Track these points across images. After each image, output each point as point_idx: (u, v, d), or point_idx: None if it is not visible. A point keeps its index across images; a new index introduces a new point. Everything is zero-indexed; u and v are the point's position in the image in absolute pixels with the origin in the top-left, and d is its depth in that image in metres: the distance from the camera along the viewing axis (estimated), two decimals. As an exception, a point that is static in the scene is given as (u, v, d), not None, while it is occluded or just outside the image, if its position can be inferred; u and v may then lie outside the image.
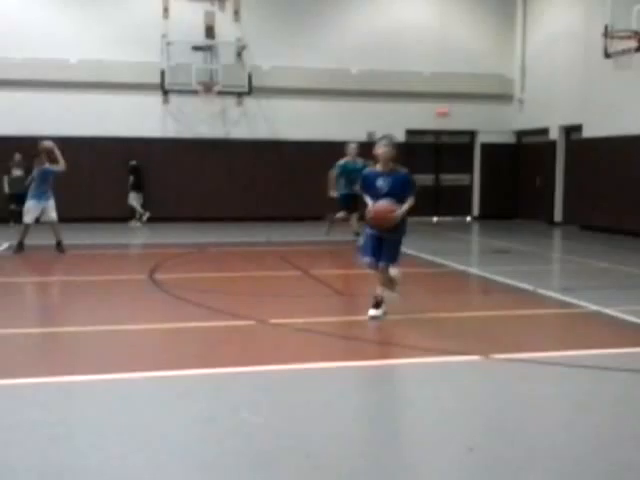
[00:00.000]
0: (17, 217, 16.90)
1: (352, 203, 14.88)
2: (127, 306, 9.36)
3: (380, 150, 8.19)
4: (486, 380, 6.25)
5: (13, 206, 18.73)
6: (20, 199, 16.00)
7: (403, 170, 8.32)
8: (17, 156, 19.22)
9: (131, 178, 20.55)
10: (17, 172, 19.21)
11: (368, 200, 8.27)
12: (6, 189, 19.38)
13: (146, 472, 4.28)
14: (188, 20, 20.64)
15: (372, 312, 8.27)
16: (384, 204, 8.04)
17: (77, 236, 16.60)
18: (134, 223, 20.39)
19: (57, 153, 14.08)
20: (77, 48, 20.45)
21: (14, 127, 19.69)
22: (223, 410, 5.33)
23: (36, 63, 20.13)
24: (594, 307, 8.95)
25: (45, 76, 20.23)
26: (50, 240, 14.12)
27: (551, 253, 16.10)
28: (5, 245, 14.83)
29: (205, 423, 5.06)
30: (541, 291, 10.08)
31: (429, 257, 13.64)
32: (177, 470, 4.30)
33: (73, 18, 20.56)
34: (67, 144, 20.06)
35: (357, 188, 9.38)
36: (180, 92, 20.98)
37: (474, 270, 12.54)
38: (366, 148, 22.50)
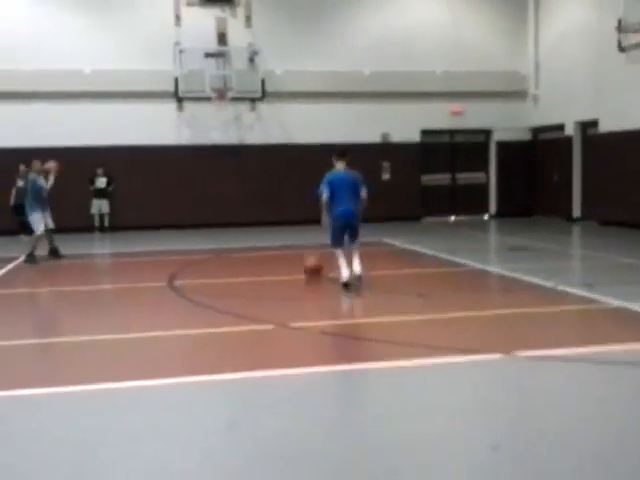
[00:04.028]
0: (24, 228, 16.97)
1: None
2: (148, 313, 9.38)
3: None
4: (509, 378, 6.21)
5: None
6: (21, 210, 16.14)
7: None
8: (22, 167, 19.28)
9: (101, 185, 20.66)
10: (20, 183, 19.27)
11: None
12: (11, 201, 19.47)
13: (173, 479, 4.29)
14: (200, 27, 20.67)
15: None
16: None
17: (95, 245, 16.65)
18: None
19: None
20: (91, 58, 20.54)
21: (30, 139, 19.76)
22: (246, 415, 5.33)
23: (50, 74, 20.23)
24: (616, 303, 8.88)
25: (60, 87, 20.35)
26: (63, 250, 14.15)
27: (570, 249, 16.00)
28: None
29: (229, 429, 5.06)
30: (562, 288, 10.01)
31: (447, 256, 13.58)
32: (203, 476, 4.31)
33: (86, 29, 20.65)
34: (83, 154, 20.31)
35: None
36: (194, 99, 21.04)
37: (493, 268, 12.49)
38: (380, 149, 22.52)
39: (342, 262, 10.41)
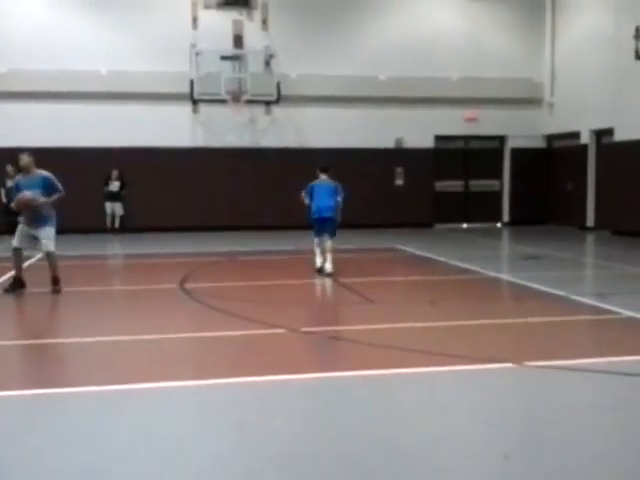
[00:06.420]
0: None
1: None
2: (159, 316, 9.40)
3: None
4: (520, 387, 6.19)
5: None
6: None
7: None
8: (9, 167, 19.31)
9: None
10: (9, 183, 19.33)
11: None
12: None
13: (180, 482, 4.30)
14: (216, 29, 20.76)
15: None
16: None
17: (106, 246, 16.67)
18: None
19: None
20: (107, 59, 20.65)
21: (48, 139, 19.83)
22: (255, 419, 5.34)
23: (67, 75, 20.34)
24: (628, 313, 8.84)
25: (75, 88, 20.45)
26: (74, 251, 14.09)
27: (583, 259, 15.93)
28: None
29: (237, 432, 5.07)
30: (574, 297, 9.98)
31: (460, 264, 13.55)
32: (213, 478, 4.32)
33: (102, 30, 20.74)
34: (97, 155, 20.40)
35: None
36: (209, 102, 21.09)
37: (506, 276, 12.46)
38: (393, 155, 22.46)
39: (317, 251, 12.43)
